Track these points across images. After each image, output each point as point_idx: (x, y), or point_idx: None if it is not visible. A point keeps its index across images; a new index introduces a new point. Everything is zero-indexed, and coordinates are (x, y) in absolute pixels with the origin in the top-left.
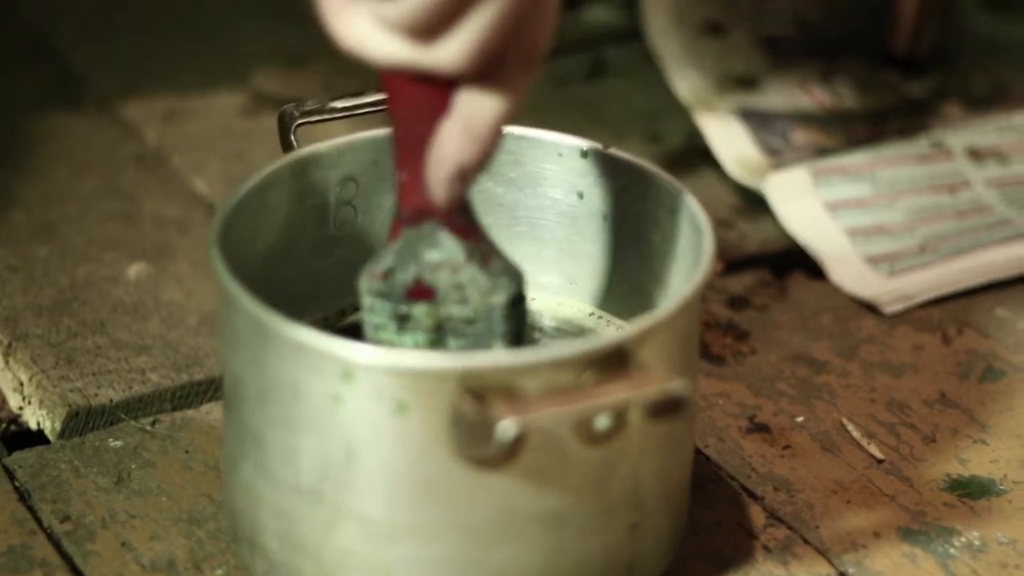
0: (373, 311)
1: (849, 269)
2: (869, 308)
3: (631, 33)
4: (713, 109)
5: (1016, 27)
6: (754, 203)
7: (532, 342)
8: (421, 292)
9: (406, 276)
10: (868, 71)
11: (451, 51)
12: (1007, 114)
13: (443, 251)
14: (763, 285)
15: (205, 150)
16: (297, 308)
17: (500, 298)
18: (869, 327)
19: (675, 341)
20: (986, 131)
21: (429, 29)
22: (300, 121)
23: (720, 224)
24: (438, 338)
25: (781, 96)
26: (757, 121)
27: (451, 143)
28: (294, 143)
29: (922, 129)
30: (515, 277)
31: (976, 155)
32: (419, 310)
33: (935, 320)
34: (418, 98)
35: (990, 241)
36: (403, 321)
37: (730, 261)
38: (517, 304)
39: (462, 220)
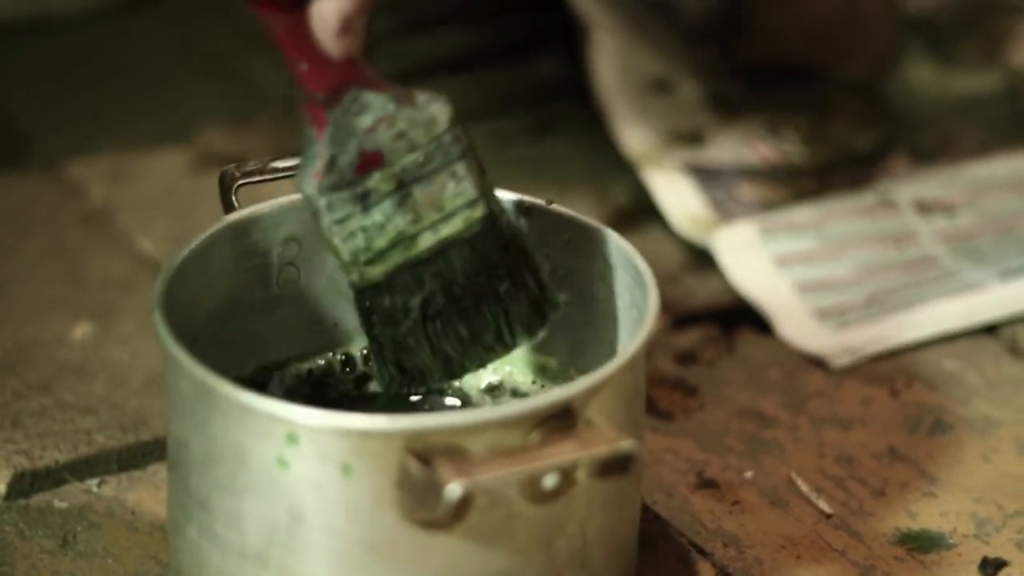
0: (332, 209)
1: (797, 323)
2: (817, 362)
3: (577, 89)
4: (659, 165)
5: (962, 79)
6: (701, 258)
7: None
8: (370, 161)
9: (349, 155)
10: (814, 125)
11: None
12: (953, 166)
13: (372, 111)
14: (711, 340)
15: (151, 209)
16: (241, 368)
17: (442, 123)
18: (817, 381)
19: (621, 398)
20: (932, 183)
21: None
22: (241, 182)
23: (667, 280)
24: (404, 197)
25: (727, 151)
26: (704, 176)
27: (323, 2)
28: (235, 204)
29: (868, 182)
30: (441, 99)
31: (923, 207)
32: (375, 179)
33: (883, 373)
34: None
35: (937, 294)
36: (365, 199)
37: (678, 317)
38: (457, 123)
39: (373, 73)
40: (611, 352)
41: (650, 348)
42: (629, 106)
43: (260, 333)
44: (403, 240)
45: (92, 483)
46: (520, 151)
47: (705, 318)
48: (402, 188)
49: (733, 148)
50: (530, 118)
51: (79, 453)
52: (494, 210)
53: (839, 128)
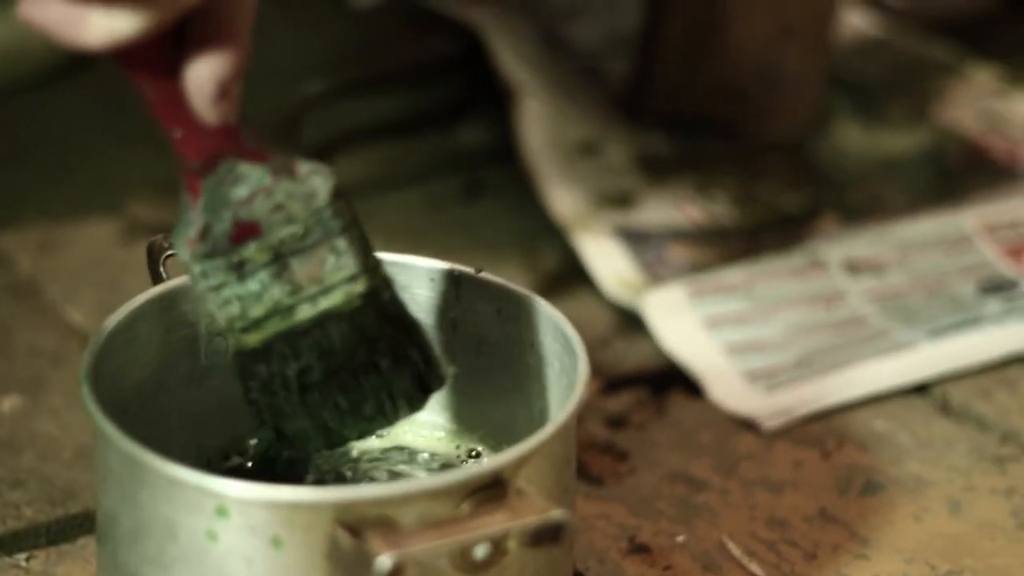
0: (207, 276)
1: (727, 386)
2: (748, 425)
3: (506, 154)
4: (589, 228)
5: (890, 138)
6: (632, 322)
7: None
8: (245, 231)
9: (224, 224)
10: (743, 186)
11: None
12: (882, 225)
13: (248, 182)
14: (642, 404)
15: (79, 280)
16: (171, 441)
17: (323, 197)
18: (748, 444)
19: (552, 466)
20: (862, 243)
21: None
22: (169, 252)
23: (598, 344)
24: (281, 268)
25: (657, 214)
26: (633, 239)
27: (198, 67)
28: (163, 275)
29: (798, 243)
30: (324, 171)
31: (852, 267)
32: (251, 250)
33: (814, 435)
34: (151, 53)
35: (868, 354)
36: (240, 268)
37: (609, 381)
38: (339, 197)
39: (251, 143)
40: (542, 420)
41: (581, 413)
42: (557, 169)
43: (191, 405)
44: (280, 310)
45: (20, 557)
46: (451, 215)
47: (636, 382)
48: (279, 259)
49: (662, 210)
50: (461, 183)
51: (7, 527)
52: (377, 285)
53: (768, 189)
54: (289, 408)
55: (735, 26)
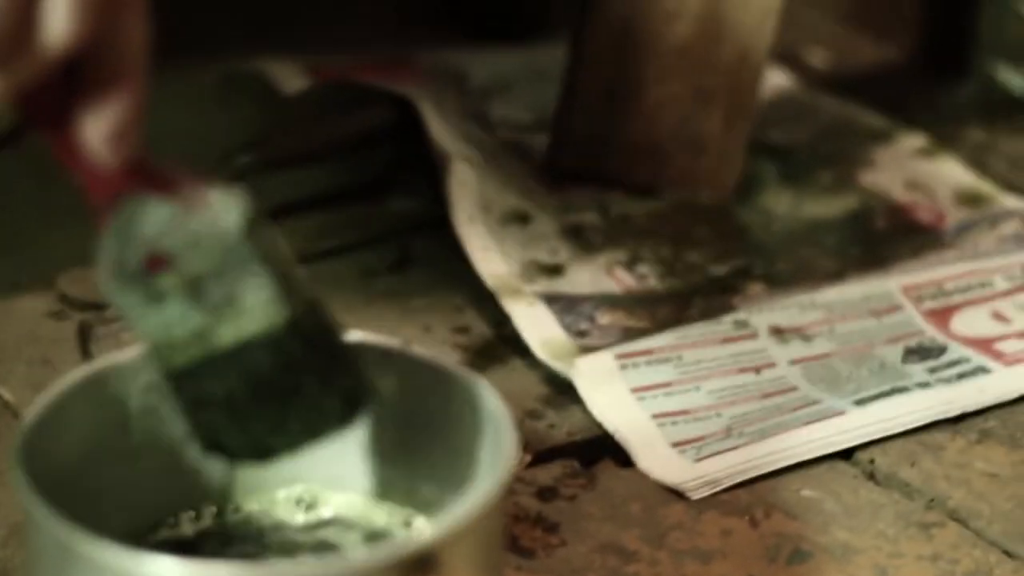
0: (127, 308)
1: (656, 455)
2: (677, 494)
3: (437, 223)
4: (520, 295)
5: (816, 203)
6: (563, 390)
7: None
8: (158, 263)
9: (137, 257)
10: (672, 253)
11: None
12: (810, 292)
13: (157, 214)
14: (572, 475)
15: (10, 356)
16: (104, 520)
17: (237, 225)
18: (677, 513)
19: (480, 542)
20: (790, 309)
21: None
22: (101, 329)
23: (529, 414)
24: (197, 296)
25: (587, 280)
26: (564, 306)
27: (88, 115)
28: (95, 351)
29: (726, 309)
30: (238, 200)
31: (780, 334)
32: (166, 282)
33: (743, 503)
34: (42, 104)
35: (795, 421)
36: (158, 300)
37: (539, 452)
38: (256, 225)
39: (158, 176)
40: (472, 493)
41: (511, 486)
42: (488, 237)
43: (124, 483)
44: (201, 336)
45: None
46: (382, 286)
47: (567, 452)
48: (196, 287)
49: (592, 277)
50: (391, 253)
51: None
52: (299, 309)
53: (697, 255)
54: (218, 426)
55: (650, 87)
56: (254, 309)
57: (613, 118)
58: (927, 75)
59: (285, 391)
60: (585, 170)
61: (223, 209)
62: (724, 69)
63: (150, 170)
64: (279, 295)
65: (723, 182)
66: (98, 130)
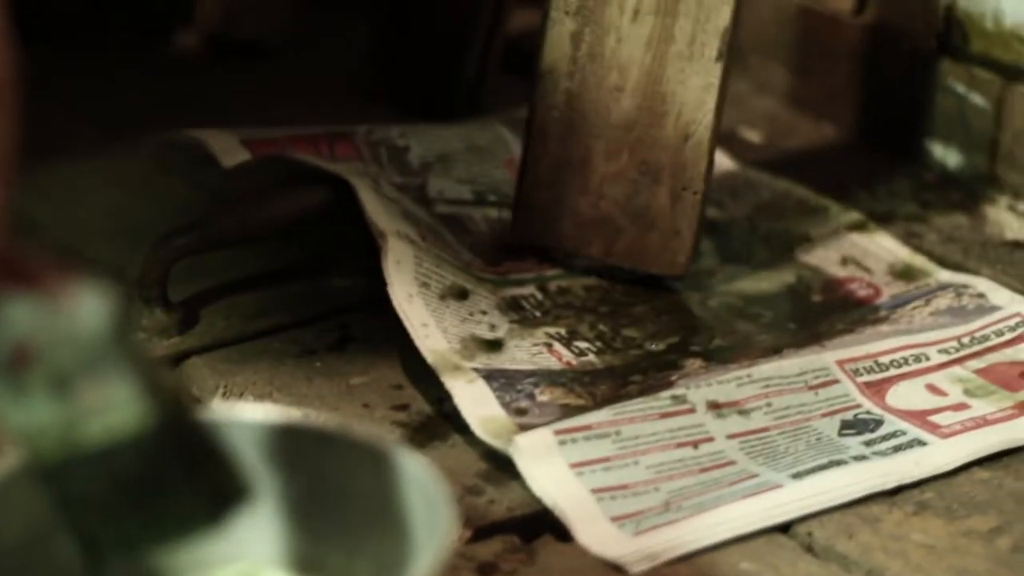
0: None
1: (595, 530)
2: (617, 568)
3: (376, 300)
4: (460, 372)
5: (754, 278)
6: (503, 466)
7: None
8: (23, 360)
9: (0, 353)
10: (611, 329)
11: None
12: (747, 367)
13: (23, 310)
14: (512, 550)
15: None
16: None
17: (102, 324)
18: None
19: None
20: (727, 384)
21: None
22: None
23: (468, 490)
24: (63, 393)
25: (527, 356)
26: (503, 383)
27: None
28: None
29: (665, 385)
30: (105, 295)
31: (718, 408)
32: (31, 378)
33: None
34: None
35: (733, 495)
36: (24, 396)
37: (479, 527)
38: (122, 321)
39: (25, 269)
40: (411, 572)
41: (451, 562)
42: (427, 314)
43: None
44: (67, 432)
45: None
46: (323, 363)
47: (507, 527)
48: (63, 384)
49: (532, 352)
50: (333, 330)
51: None
52: (166, 407)
53: (635, 331)
54: (88, 521)
55: (599, 161)
56: (120, 406)
57: (564, 191)
58: (864, 153)
59: (153, 488)
60: (542, 244)
61: (90, 304)
62: (667, 144)
63: (16, 263)
64: (145, 393)
65: (674, 258)
66: None
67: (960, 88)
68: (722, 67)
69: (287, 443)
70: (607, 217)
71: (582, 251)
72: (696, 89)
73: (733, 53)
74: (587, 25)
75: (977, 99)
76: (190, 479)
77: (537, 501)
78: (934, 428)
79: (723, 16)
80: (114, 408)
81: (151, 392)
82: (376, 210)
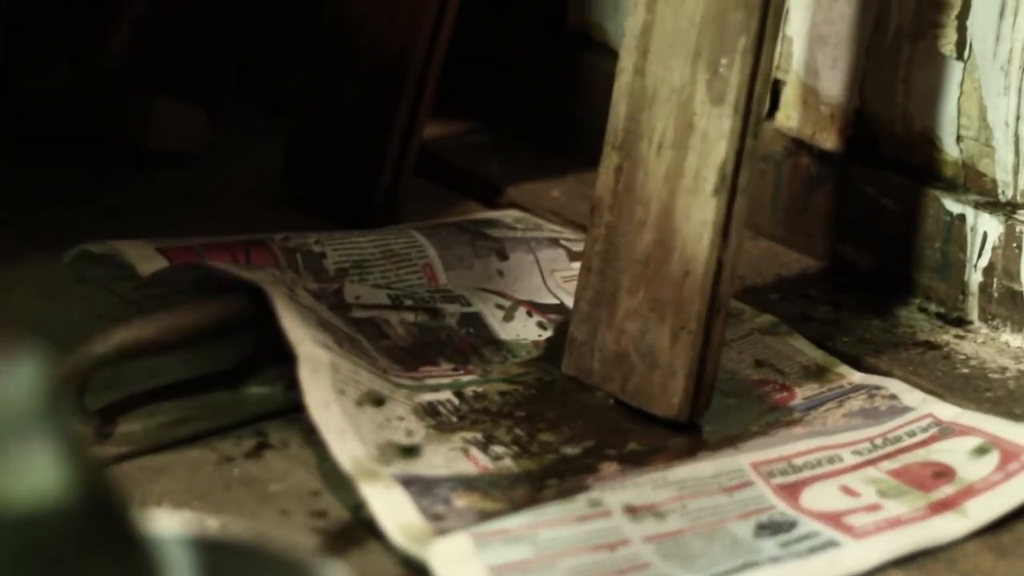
0: None
1: None
2: None
3: (294, 407)
4: (377, 478)
5: None
6: (422, 572)
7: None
8: None
9: None
10: (527, 434)
11: None
12: (663, 470)
13: None
14: None
15: None
16: None
17: (25, 394)
18: None
19: None
20: (643, 488)
21: None
22: None
23: None
24: None
25: (443, 462)
26: (420, 488)
27: None
28: None
29: (581, 488)
30: (29, 364)
31: (634, 511)
32: None
33: None
34: None
35: None
36: None
37: None
38: (47, 393)
39: None
40: None
41: None
42: (344, 421)
43: None
44: None
45: None
46: (241, 471)
47: None
48: None
49: (448, 458)
50: (251, 438)
51: None
52: (87, 482)
53: (551, 436)
54: None
55: (623, 296)
56: (46, 474)
57: (598, 326)
58: (777, 256)
59: (67, 565)
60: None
61: (11, 374)
62: (672, 281)
63: None
64: (67, 466)
65: (670, 399)
66: None
67: (871, 191)
68: (720, 202)
69: (204, 556)
70: (625, 353)
71: (605, 386)
72: (696, 224)
73: (739, 190)
74: (626, 159)
75: (888, 202)
76: (106, 558)
77: None
78: (848, 529)
79: (719, 150)
80: (32, 479)
81: (78, 466)
82: (291, 318)
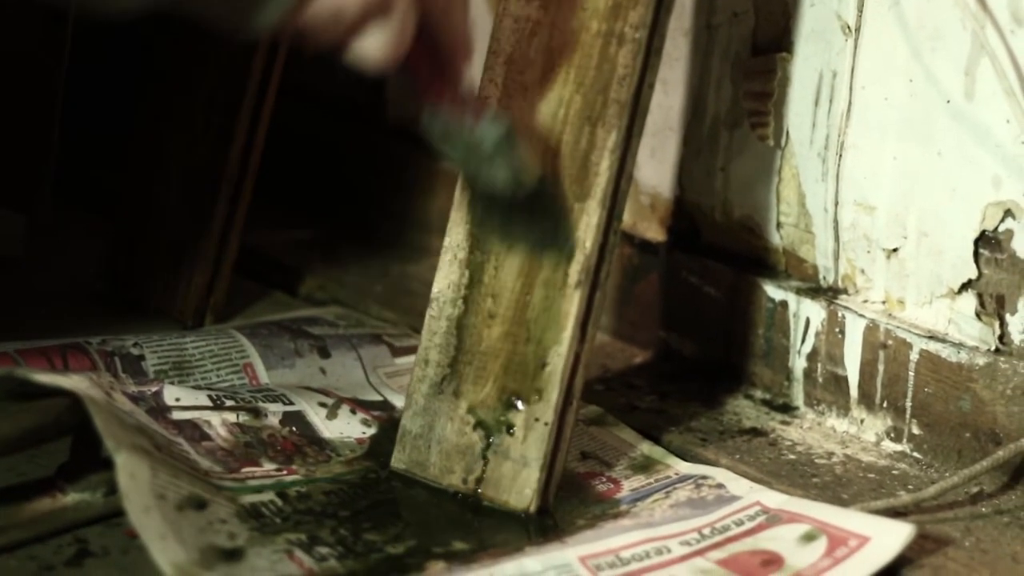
0: None
1: None
2: None
3: (113, 514)
4: None
5: None
6: None
7: None
8: None
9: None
10: (353, 534)
11: None
12: (489, 567)
13: None
14: None
15: None
16: None
17: None
18: None
19: None
20: None
21: None
22: None
23: None
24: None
25: (267, 565)
26: None
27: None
28: None
29: None
30: None
31: None
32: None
33: None
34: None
35: None
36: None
37: None
38: None
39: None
40: None
41: None
42: (165, 525)
43: None
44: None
45: None
46: None
47: None
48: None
49: (272, 560)
50: (71, 545)
51: None
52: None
53: (376, 535)
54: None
55: (466, 391)
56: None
57: (437, 418)
58: (600, 346)
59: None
60: (412, 472)
61: None
62: (527, 373)
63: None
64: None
65: (522, 491)
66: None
67: (694, 279)
68: (581, 296)
69: None
70: (469, 445)
71: (443, 479)
72: (557, 316)
73: (599, 284)
74: (473, 252)
75: (711, 290)
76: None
77: None
78: None
79: (585, 244)
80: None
81: None
82: (108, 424)
